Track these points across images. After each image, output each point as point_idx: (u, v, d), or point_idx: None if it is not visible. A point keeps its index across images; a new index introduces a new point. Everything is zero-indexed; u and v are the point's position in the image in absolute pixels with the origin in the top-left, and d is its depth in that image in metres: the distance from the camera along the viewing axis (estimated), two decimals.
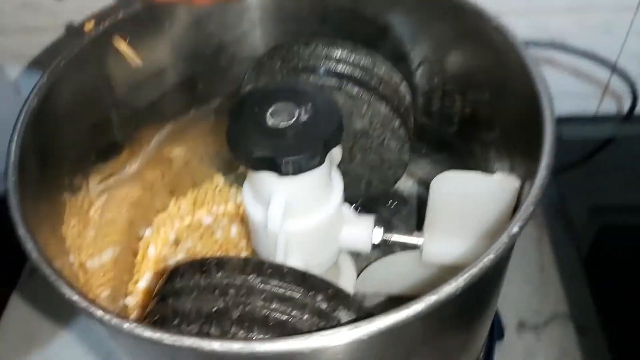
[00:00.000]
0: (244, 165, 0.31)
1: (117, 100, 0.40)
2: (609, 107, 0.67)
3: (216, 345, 0.22)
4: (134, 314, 0.42)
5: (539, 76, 0.31)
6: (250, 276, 0.29)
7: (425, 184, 0.49)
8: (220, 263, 0.30)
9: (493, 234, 0.35)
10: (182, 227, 0.46)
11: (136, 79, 0.41)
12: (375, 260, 0.42)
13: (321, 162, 0.31)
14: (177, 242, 0.45)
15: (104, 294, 0.39)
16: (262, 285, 0.29)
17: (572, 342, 0.53)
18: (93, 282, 0.38)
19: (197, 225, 0.46)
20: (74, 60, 0.35)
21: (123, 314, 0.31)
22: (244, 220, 0.46)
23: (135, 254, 0.45)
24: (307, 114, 0.31)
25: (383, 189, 0.45)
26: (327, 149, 0.31)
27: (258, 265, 0.29)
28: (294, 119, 0.31)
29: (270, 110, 0.32)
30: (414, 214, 0.47)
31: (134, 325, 0.23)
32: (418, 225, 0.47)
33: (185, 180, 0.48)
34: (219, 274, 0.29)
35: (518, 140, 0.36)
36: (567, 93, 0.64)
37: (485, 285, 0.29)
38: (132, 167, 0.43)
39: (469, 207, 0.34)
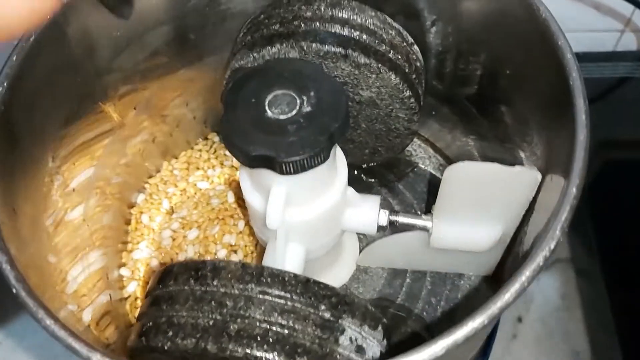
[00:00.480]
0: (241, 163, 0.28)
1: (100, 68, 0.36)
2: (629, 43, 0.64)
3: None
4: (129, 286, 0.41)
5: (566, 49, 0.27)
6: (249, 285, 0.27)
7: (433, 146, 0.47)
8: (217, 269, 0.28)
9: (507, 222, 0.33)
10: (176, 193, 0.43)
11: (121, 41, 0.37)
12: (381, 237, 0.40)
13: (325, 159, 0.28)
14: (171, 211, 0.43)
15: (94, 266, 0.37)
16: (262, 295, 0.27)
17: (572, 286, 0.53)
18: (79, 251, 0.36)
19: (192, 192, 0.44)
20: (48, 30, 0.31)
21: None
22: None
23: (127, 222, 0.43)
24: (310, 104, 0.28)
25: (389, 156, 0.42)
26: (331, 144, 0.28)
27: (257, 273, 0.27)
28: (296, 110, 0.28)
29: (268, 99, 0.28)
30: (422, 178, 0.45)
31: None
32: (427, 192, 0.44)
33: (178, 140, 0.45)
34: (215, 282, 0.27)
35: (540, 112, 0.33)
36: (586, 28, 0.61)
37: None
38: (120, 131, 0.40)
39: (484, 196, 0.32)
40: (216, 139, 0.47)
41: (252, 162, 0.28)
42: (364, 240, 0.42)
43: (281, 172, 0.28)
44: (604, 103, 0.62)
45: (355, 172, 0.45)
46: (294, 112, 0.28)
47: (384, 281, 0.41)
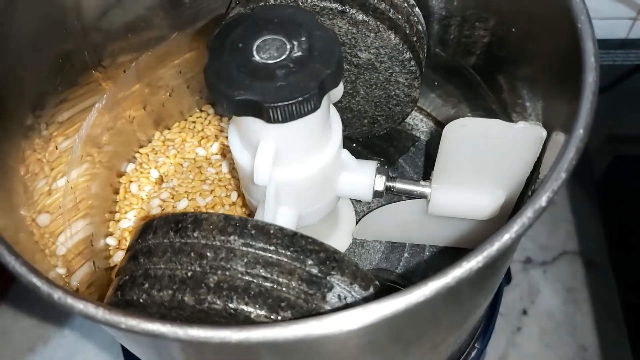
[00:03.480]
0: (225, 110, 0.27)
1: (87, 23, 0.35)
2: None
3: (180, 333, 0.19)
4: (115, 256, 0.39)
5: (580, 6, 0.26)
6: (231, 237, 0.26)
7: (435, 120, 0.45)
8: (198, 220, 0.26)
9: (509, 186, 0.32)
10: (167, 162, 0.42)
11: (112, 0, 0.35)
12: (378, 206, 0.38)
13: (316, 108, 0.26)
14: (161, 180, 0.41)
15: (78, 236, 0.36)
16: (245, 247, 0.25)
17: (580, 278, 0.52)
18: (65, 219, 0.35)
19: (183, 162, 0.42)
20: None
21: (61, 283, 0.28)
22: None
23: (116, 191, 0.41)
24: (301, 49, 0.27)
25: (389, 126, 0.40)
26: (323, 92, 0.26)
27: (241, 225, 0.26)
28: (285, 55, 0.26)
29: (256, 44, 0.27)
30: (422, 153, 0.43)
31: (70, 299, 0.20)
32: (426, 166, 0.43)
33: (171, 111, 0.44)
34: (196, 233, 0.26)
35: (548, 79, 0.31)
36: (599, 15, 0.59)
37: (502, 258, 0.26)
38: (109, 97, 0.38)
39: (485, 156, 0.30)
40: (211, 111, 0.45)
41: (237, 108, 0.26)
42: (361, 215, 0.40)
43: (268, 120, 0.26)
44: (615, 92, 0.61)
45: (354, 145, 0.43)
46: (284, 56, 0.26)
47: (382, 255, 0.39)
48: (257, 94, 0.25)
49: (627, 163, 0.57)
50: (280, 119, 0.26)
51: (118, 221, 0.40)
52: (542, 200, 0.21)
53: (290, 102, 0.25)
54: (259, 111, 0.26)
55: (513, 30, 0.33)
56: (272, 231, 0.26)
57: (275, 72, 0.26)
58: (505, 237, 0.20)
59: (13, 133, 0.31)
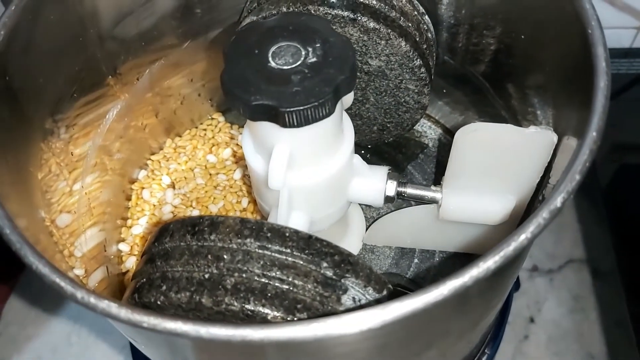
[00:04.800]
0: (242, 115, 0.27)
1: (103, 32, 0.35)
2: None
3: (202, 331, 0.19)
4: (127, 261, 0.40)
5: (591, 12, 0.26)
6: (248, 240, 0.26)
7: (444, 127, 0.45)
8: (214, 223, 0.26)
9: (520, 191, 0.32)
10: (178, 169, 0.42)
11: (125, 8, 0.36)
12: (388, 212, 0.38)
13: (330, 112, 0.27)
14: (173, 186, 0.42)
15: (91, 241, 0.36)
16: (261, 250, 0.26)
17: (587, 286, 0.52)
18: (79, 224, 0.35)
19: (195, 168, 0.43)
20: None
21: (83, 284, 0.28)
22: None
23: (128, 197, 0.42)
24: (315, 55, 0.27)
25: (398, 134, 0.41)
26: (337, 97, 0.27)
27: (257, 228, 0.26)
28: (300, 60, 0.27)
29: (272, 51, 0.27)
30: (431, 160, 0.44)
31: (94, 298, 0.20)
32: (436, 172, 0.43)
33: (183, 119, 0.45)
34: (213, 236, 0.26)
35: (559, 86, 0.32)
36: (603, 24, 0.59)
37: (517, 259, 0.26)
38: (122, 104, 0.39)
39: (496, 161, 0.31)
40: (221, 118, 0.46)
41: (253, 113, 0.27)
42: (371, 220, 0.41)
43: (284, 125, 0.26)
44: (619, 101, 0.61)
45: (363, 151, 0.43)
46: (299, 62, 0.27)
47: (392, 260, 0.39)
48: (273, 99, 0.26)
49: (633, 171, 0.58)
50: (295, 124, 0.26)
51: (130, 227, 0.40)
52: (557, 201, 0.21)
53: (305, 106, 0.26)
54: (275, 116, 0.26)
55: (522, 37, 0.34)
56: (287, 234, 0.26)
57: (291, 78, 0.26)
58: (522, 237, 0.20)
59: (33, 137, 0.31)
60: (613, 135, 0.58)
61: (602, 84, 0.23)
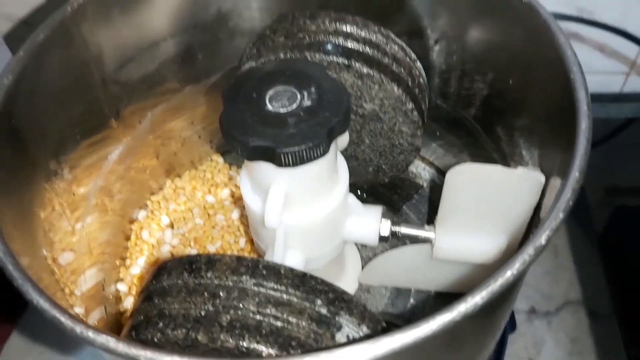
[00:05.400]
0: (240, 156, 0.28)
1: (107, 76, 0.37)
2: (635, 85, 0.64)
3: None
4: (125, 301, 0.40)
5: (573, 62, 0.28)
6: (244, 277, 0.26)
7: (437, 169, 0.46)
8: (211, 261, 0.27)
9: (511, 231, 0.33)
10: (177, 210, 0.43)
11: (128, 53, 0.37)
12: (383, 251, 0.39)
13: (325, 153, 0.28)
14: (171, 226, 0.42)
15: (90, 281, 0.37)
16: (256, 287, 0.26)
17: (584, 329, 0.51)
18: (79, 264, 0.36)
19: (193, 209, 0.43)
20: (56, 31, 0.32)
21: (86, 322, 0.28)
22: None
23: (127, 237, 0.42)
24: (311, 99, 0.28)
25: (393, 175, 0.42)
26: (331, 138, 0.28)
27: (252, 265, 0.27)
28: (296, 104, 0.28)
29: (269, 94, 0.28)
30: (426, 201, 0.44)
31: (97, 335, 0.20)
32: (430, 213, 0.44)
33: (182, 160, 0.46)
34: (209, 274, 0.27)
35: (544, 128, 0.33)
36: (592, 70, 0.61)
37: (505, 295, 0.27)
38: (124, 146, 0.40)
39: (486, 201, 0.31)
40: (220, 160, 0.47)
41: (251, 154, 0.28)
42: (367, 260, 0.41)
43: (280, 164, 0.27)
44: (612, 145, 0.62)
45: (359, 192, 0.44)
46: (295, 106, 0.28)
47: (387, 301, 0.39)
48: (270, 141, 0.27)
49: (628, 214, 0.58)
50: (291, 164, 0.27)
51: (129, 267, 0.41)
52: (542, 238, 0.22)
53: (301, 147, 0.27)
54: (272, 156, 0.27)
55: (510, 82, 0.35)
56: (282, 271, 0.27)
57: (287, 120, 0.28)
58: (508, 273, 0.21)
59: (37, 178, 0.32)
60: (607, 179, 0.59)
61: (584, 126, 0.24)
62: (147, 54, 0.38)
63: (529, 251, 0.21)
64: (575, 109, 0.26)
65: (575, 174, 0.23)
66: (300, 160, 0.27)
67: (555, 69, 0.29)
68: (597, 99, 0.63)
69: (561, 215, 0.22)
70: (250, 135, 0.27)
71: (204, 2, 0.39)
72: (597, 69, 0.63)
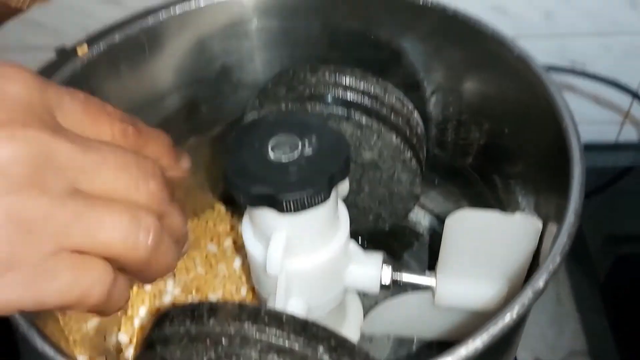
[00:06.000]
0: (242, 202, 0.29)
1: None
2: (629, 134, 0.65)
3: None
4: (126, 352, 0.40)
5: (565, 110, 0.29)
6: (246, 324, 0.26)
7: (437, 217, 0.47)
8: (214, 308, 0.27)
9: (512, 277, 0.33)
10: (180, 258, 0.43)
11: (135, 105, 0.39)
12: (384, 300, 0.39)
13: (325, 199, 0.28)
14: (173, 276, 0.43)
15: (92, 330, 0.37)
16: (259, 334, 0.26)
17: None
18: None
19: (195, 257, 0.44)
20: (66, 84, 0.33)
21: None
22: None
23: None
24: (312, 147, 0.29)
25: (393, 222, 0.42)
26: (332, 185, 0.29)
27: (254, 312, 0.27)
28: (297, 152, 0.29)
29: (271, 144, 0.29)
30: (426, 248, 0.45)
31: None
32: (430, 261, 0.44)
33: (185, 209, 0.46)
34: (212, 321, 0.27)
35: (542, 175, 0.33)
36: (587, 120, 0.62)
37: (506, 340, 0.27)
38: None
39: (486, 247, 0.32)
40: (223, 209, 0.47)
41: (253, 201, 0.28)
42: (368, 309, 0.41)
43: (281, 210, 0.28)
44: (609, 194, 0.63)
45: (359, 240, 0.44)
46: (296, 154, 0.29)
47: (390, 350, 0.39)
48: (272, 188, 0.28)
49: (629, 262, 0.58)
50: (292, 210, 0.28)
51: (130, 317, 0.41)
52: (540, 281, 0.22)
53: (302, 193, 0.27)
54: (273, 203, 0.28)
55: (505, 131, 0.36)
56: (284, 318, 0.27)
57: (289, 168, 0.28)
58: (507, 316, 0.21)
59: None
60: (607, 227, 0.59)
61: (577, 171, 0.25)
62: (153, 106, 0.40)
63: (528, 294, 0.22)
64: (568, 156, 0.27)
65: (570, 218, 0.24)
66: (301, 206, 0.28)
67: (548, 118, 0.30)
68: (593, 148, 0.64)
69: (558, 258, 0.22)
70: (252, 183, 0.28)
71: (209, 57, 0.40)
72: (591, 119, 0.64)
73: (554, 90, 0.30)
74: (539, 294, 0.22)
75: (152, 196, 0.22)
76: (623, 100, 0.60)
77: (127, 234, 0.20)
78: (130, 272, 0.22)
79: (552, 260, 0.22)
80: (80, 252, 0.20)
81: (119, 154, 0.21)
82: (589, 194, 0.61)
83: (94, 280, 0.20)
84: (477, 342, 0.20)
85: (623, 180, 0.65)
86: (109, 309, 0.22)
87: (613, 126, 0.65)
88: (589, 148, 0.62)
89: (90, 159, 0.20)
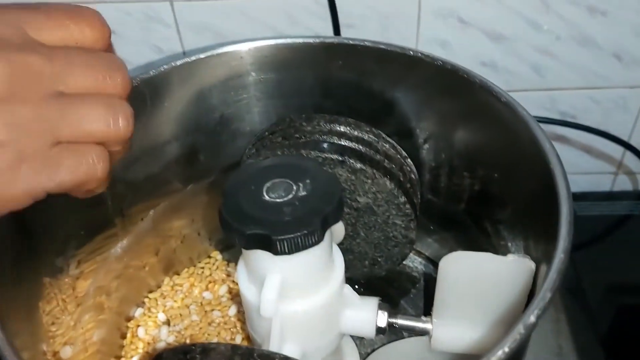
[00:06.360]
0: (237, 244, 0.29)
1: (113, 174, 0.38)
2: (623, 184, 0.66)
3: None
4: None
5: (552, 153, 0.30)
6: None
7: (433, 263, 0.47)
8: (206, 350, 0.27)
9: (507, 320, 0.33)
10: (174, 306, 0.43)
11: (135, 153, 0.39)
12: (381, 345, 0.39)
13: (319, 240, 0.29)
14: (168, 323, 0.42)
15: None
16: None
17: None
18: None
19: (190, 305, 0.43)
20: None
21: None
22: None
23: (123, 335, 0.42)
24: (306, 190, 0.30)
25: (389, 268, 0.42)
26: (326, 226, 0.29)
27: (247, 353, 0.27)
28: (292, 194, 0.29)
29: (266, 186, 0.30)
30: (423, 294, 0.45)
31: None
32: (427, 306, 0.44)
33: (182, 258, 0.46)
34: None
35: (531, 219, 0.34)
36: (581, 170, 0.63)
37: None
38: (125, 244, 0.41)
39: (480, 289, 0.32)
40: (219, 257, 0.47)
41: (247, 241, 0.29)
42: (364, 357, 0.40)
43: (276, 253, 0.28)
44: (608, 244, 0.63)
45: (356, 286, 0.44)
46: (290, 196, 0.29)
47: None
48: (266, 229, 0.28)
49: (631, 313, 0.57)
50: (287, 251, 0.28)
51: None
52: (531, 317, 0.22)
53: (296, 235, 0.28)
54: (268, 244, 0.28)
55: (495, 176, 0.37)
56: (276, 359, 0.27)
57: (283, 209, 0.29)
58: (499, 352, 0.21)
59: (42, 273, 0.33)
60: (607, 278, 0.59)
61: (565, 209, 0.26)
62: (153, 154, 0.40)
63: (519, 329, 0.22)
64: (556, 195, 0.27)
65: (560, 255, 0.24)
66: (295, 247, 0.28)
67: (536, 159, 0.30)
68: (589, 197, 0.65)
69: (549, 294, 0.23)
70: (247, 224, 0.28)
71: (208, 108, 0.41)
72: (585, 170, 0.64)
73: (539, 133, 0.31)
74: (530, 329, 0.22)
75: (120, 85, 0.25)
76: (615, 150, 0.61)
77: (106, 120, 0.25)
78: (115, 151, 0.27)
79: (543, 296, 0.22)
80: (75, 142, 0.24)
81: (83, 55, 0.25)
82: (587, 243, 0.62)
83: (94, 158, 0.25)
84: None
85: (620, 229, 0.65)
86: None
87: (607, 176, 0.66)
88: (584, 197, 0.64)
89: (58, 65, 0.24)
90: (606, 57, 0.53)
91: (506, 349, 0.21)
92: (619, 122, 0.58)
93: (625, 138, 0.58)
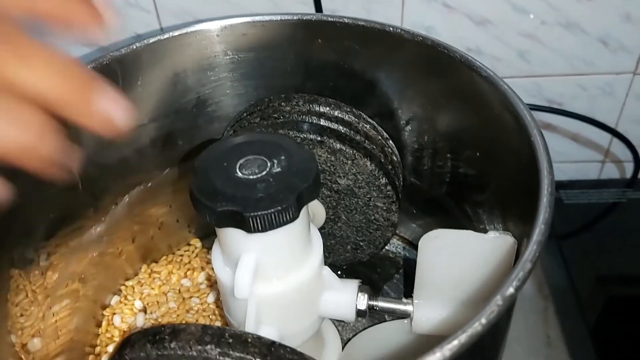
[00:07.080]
0: (208, 221, 0.28)
1: (84, 159, 0.37)
2: (611, 171, 0.65)
3: None
4: None
5: (532, 125, 0.29)
6: (208, 347, 0.25)
7: (416, 248, 0.46)
8: (176, 331, 0.26)
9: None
10: (151, 294, 0.42)
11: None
12: (363, 329, 0.38)
13: (294, 218, 0.28)
14: (144, 311, 0.41)
15: None
16: (222, 357, 0.25)
17: None
18: (48, 350, 0.34)
19: (168, 292, 0.42)
20: None
21: None
22: None
23: (98, 324, 0.41)
24: (280, 166, 0.29)
25: (371, 253, 0.41)
26: (301, 203, 0.28)
27: (218, 334, 0.26)
28: (266, 171, 0.28)
29: (239, 163, 0.29)
30: (405, 279, 0.44)
31: None
32: (409, 291, 0.43)
33: (160, 245, 0.45)
34: (173, 344, 0.25)
35: (515, 200, 0.33)
36: (568, 159, 0.63)
37: (480, 356, 0.25)
38: (99, 230, 0.40)
39: (461, 268, 0.31)
40: (199, 244, 0.46)
41: (219, 219, 0.27)
42: (346, 342, 0.39)
43: (249, 230, 0.27)
44: (597, 233, 0.62)
45: (338, 272, 0.43)
46: (264, 172, 0.28)
47: None
48: (238, 205, 0.27)
49: (620, 303, 0.57)
50: (260, 228, 0.27)
51: (98, 355, 0.39)
52: (510, 289, 0.21)
53: (269, 211, 0.27)
54: (241, 221, 0.27)
55: (478, 154, 0.36)
56: (249, 339, 0.26)
57: (256, 186, 0.28)
58: (476, 324, 0.20)
59: (11, 266, 0.32)
60: (595, 268, 0.58)
61: (546, 181, 0.25)
62: (126, 137, 0.39)
63: (497, 301, 0.21)
64: (537, 167, 0.26)
65: (540, 225, 0.23)
66: (269, 224, 0.27)
67: (517, 134, 0.30)
68: (577, 185, 0.64)
69: (529, 265, 0.22)
70: (218, 201, 0.27)
71: (184, 89, 0.40)
72: (573, 158, 0.64)
73: (521, 107, 0.30)
74: (509, 301, 0.21)
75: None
76: (602, 138, 0.60)
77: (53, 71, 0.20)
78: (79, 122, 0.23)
79: (523, 267, 0.22)
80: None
81: None
82: (575, 232, 0.61)
83: (33, 125, 0.20)
84: (444, 351, 0.19)
85: (608, 217, 0.65)
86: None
87: (594, 164, 0.65)
88: (572, 186, 0.63)
89: None
90: (592, 43, 0.52)
91: (483, 321, 0.20)
92: (605, 109, 0.58)
93: (612, 125, 0.58)
